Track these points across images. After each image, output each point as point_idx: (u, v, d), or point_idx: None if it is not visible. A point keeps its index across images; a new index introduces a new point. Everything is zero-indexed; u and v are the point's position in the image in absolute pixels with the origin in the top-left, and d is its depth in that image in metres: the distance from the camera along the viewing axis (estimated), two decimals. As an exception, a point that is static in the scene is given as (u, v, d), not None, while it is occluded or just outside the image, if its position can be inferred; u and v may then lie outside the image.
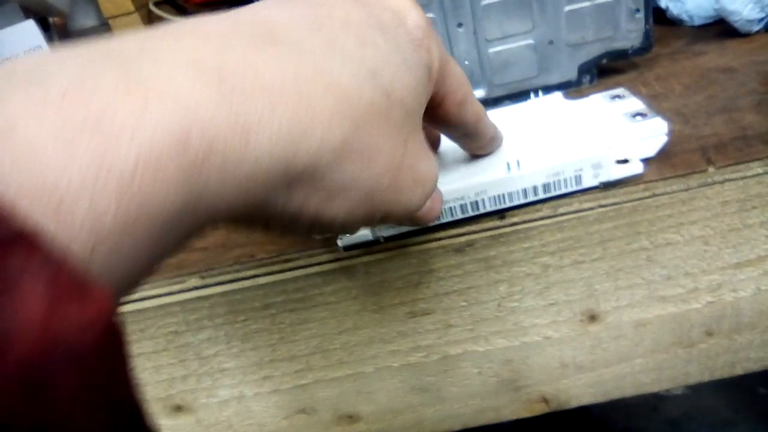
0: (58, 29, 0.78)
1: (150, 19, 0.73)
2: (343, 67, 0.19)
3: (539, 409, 0.39)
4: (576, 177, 0.30)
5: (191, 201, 0.16)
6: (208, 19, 0.18)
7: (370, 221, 0.22)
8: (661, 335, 0.36)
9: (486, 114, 0.28)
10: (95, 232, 0.14)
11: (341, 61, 0.19)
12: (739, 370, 0.38)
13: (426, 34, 0.22)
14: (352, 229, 0.22)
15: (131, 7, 0.71)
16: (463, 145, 0.31)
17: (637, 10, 0.39)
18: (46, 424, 0.11)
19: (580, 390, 0.38)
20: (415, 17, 0.22)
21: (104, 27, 0.79)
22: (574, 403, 0.39)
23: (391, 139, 0.20)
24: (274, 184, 0.18)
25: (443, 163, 0.32)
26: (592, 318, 0.35)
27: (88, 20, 0.91)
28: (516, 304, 0.34)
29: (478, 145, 0.30)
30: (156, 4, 0.73)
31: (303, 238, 0.22)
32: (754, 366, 0.38)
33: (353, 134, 0.19)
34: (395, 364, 0.36)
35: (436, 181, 0.24)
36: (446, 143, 0.33)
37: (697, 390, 0.98)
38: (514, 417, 0.39)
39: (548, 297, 0.34)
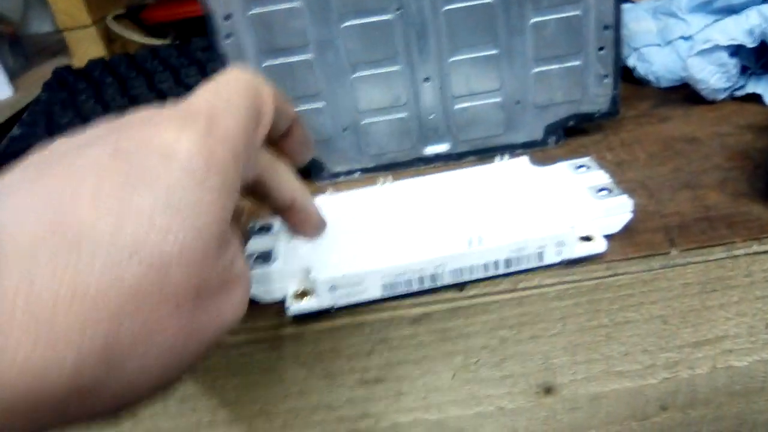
0: (9, 38, 0.74)
1: (107, 34, 0.71)
2: (91, 264, 0.16)
3: (490, 476, 0.38)
4: (538, 254, 0.29)
5: None
6: None
7: (193, 365, 0.20)
8: (617, 408, 0.35)
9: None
10: None
11: (88, 257, 0.16)
12: (691, 444, 0.38)
13: (208, 154, 0.19)
14: (176, 383, 0.20)
15: (88, 21, 0.69)
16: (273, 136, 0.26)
17: (606, 76, 0.38)
18: None
19: (532, 460, 0.37)
20: (187, 147, 0.19)
21: (59, 34, 0.76)
22: (526, 473, 0.38)
23: (175, 302, 0.18)
24: (34, 415, 0.16)
25: (402, 230, 0.31)
26: (548, 390, 0.34)
27: (43, 27, 0.87)
28: (471, 375, 0.33)
29: (286, 118, 0.26)
30: (114, 18, 0.71)
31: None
32: (706, 440, 0.38)
33: (117, 335, 0.17)
34: (342, 430, 0.35)
35: (247, 284, 0.22)
36: (404, 211, 0.32)
37: None
38: (463, 484, 0.38)
39: (504, 369, 0.33)
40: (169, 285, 0.18)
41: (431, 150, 0.40)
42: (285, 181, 0.27)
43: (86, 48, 0.69)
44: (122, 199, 0.17)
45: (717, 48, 0.41)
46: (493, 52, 0.37)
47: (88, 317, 0.16)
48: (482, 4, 0.36)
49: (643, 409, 0.35)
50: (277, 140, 0.27)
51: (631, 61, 0.48)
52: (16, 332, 0.15)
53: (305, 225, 0.30)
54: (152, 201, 0.18)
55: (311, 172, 0.40)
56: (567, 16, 0.37)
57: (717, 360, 0.34)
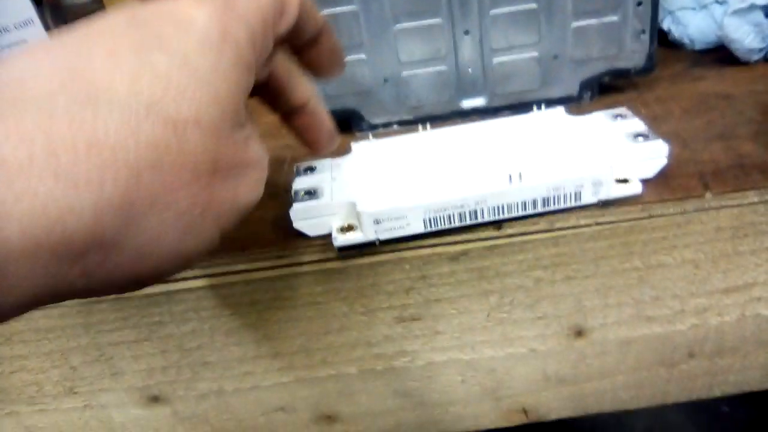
0: (50, 3, 0.76)
1: None
2: (109, 114, 0.16)
3: (517, 419, 0.40)
4: (576, 193, 0.30)
5: None
6: None
7: (208, 247, 0.20)
8: (645, 354, 0.36)
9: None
10: None
11: (106, 107, 0.16)
12: (717, 393, 0.39)
13: (227, 23, 0.19)
14: (190, 267, 0.20)
15: (127, -15, 0.70)
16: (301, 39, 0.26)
17: (643, 31, 0.39)
18: None
19: (560, 403, 0.38)
20: (206, 13, 0.19)
21: (96, 4, 0.78)
22: (553, 416, 0.39)
23: (192, 166, 0.18)
24: (50, 267, 0.16)
25: (443, 170, 0.32)
26: (579, 333, 0.35)
27: (80, -5, 0.89)
28: (505, 315, 0.34)
29: (314, 24, 0.25)
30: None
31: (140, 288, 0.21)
32: (731, 389, 0.38)
33: (136, 187, 0.17)
34: (379, 368, 0.36)
35: (265, 168, 0.22)
36: (446, 154, 0.33)
37: (663, 406, 1.00)
38: (492, 426, 0.40)
39: (537, 310, 0.34)
40: (186, 149, 0.18)
41: (468, 103, 0.41)
42: (299, 82, 0.26)
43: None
44: (138, 58, 0.17)
45: (753, 7, 0.41)
46: (533, 6, 0.38)
47: (106, 166, 0.16)
48: (523, -42, 0.37)
49: (671, 355, 0.36)
50: (302, 49, 0.26)
51: (666, 24, 0.48)
52: (35, 176, 0.15)
53: (315, 131, 0.28)
54: (168, 62, 0.18)
55: (350, 124, 0.42)
56: (606, -29, 0.37)
57: (746, 308, 0.34)
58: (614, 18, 0.38)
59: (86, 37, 0.18)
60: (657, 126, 0.37)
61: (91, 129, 0.16)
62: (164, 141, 0.17)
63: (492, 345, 0.35)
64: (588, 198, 0.31)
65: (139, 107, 0.17)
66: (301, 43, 0.26)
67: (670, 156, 0.32)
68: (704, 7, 0.47)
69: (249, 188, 0.21)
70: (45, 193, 0.15)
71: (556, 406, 0.38)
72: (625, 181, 0.31)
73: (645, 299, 0.34)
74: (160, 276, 0.19)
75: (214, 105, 0.18)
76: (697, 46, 0.47)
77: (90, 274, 0.17)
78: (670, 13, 0.48)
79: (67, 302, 0.33)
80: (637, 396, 0.38)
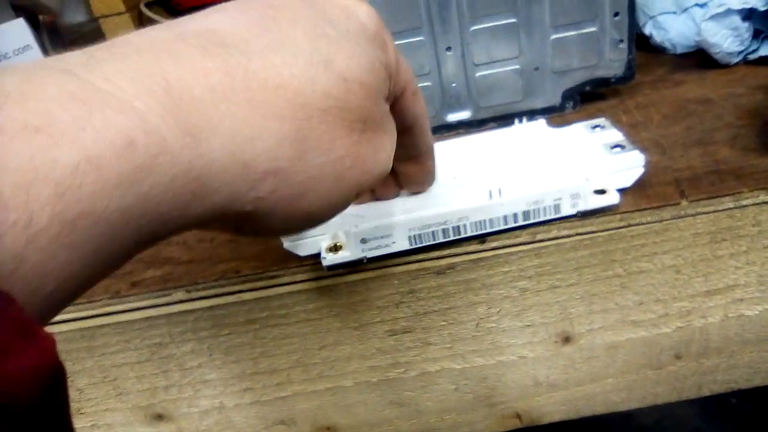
0: (47, 27, 0.77)
1: (141, 21, 0.73)
2: (294, 62, 0.19)
3: (512, 424, 0.41)
4: (555, 206, 0.31)
5: (140, 205, 0.16)
6: (153, 32, 0.18)
7: (345, 203, 0.22)
8: (632, 357, 0.37)
9: None
10: (29, 235, 0.14)
11: (292, 57, 0.19)
12: (706, 392, 0.39)
13: (379, 28, 0.22)
14: (331, 216, 0.22)
15: (122, 7, 0.71)
16: (410, 153, 0.29)
17: (621, 41, 0.40)
18: None
19: (553, 407, 0.39)
20: (366, 11, 0.22)
21: (93, 23, 0.79)
22: (546, 420, 0.40)
23: (351, 120, 0.21)
24: (235, 185, 0.18)
25: (429, 190, 0.33)
26: (566, 339, 0.36)
27: (77, 17, 0.90)
28: (494, 324, 0.35)
29: (425, 143, 0.28)
30: (147, 5, 0.73)
31: (280, 235, 0.22)
32: (720, 388, 0.39)
33: (308, 127, 0.19)
34: (374, 379, 0.37)
35: (394, 141, 0.24)
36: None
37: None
38: (487, 431, 0.41)
39: (525, 319, 0.35)
40: (350, 103, 0.20)
41: (454, 117, 0.42)
42: (424, 134, 0.28)
43: (121, 34, 0.72)
44: (315, 25, 0.20)
45: (730, 12, 0.42)
46: (512, 20, 0.39)
47: (288, 104, 0.19)
48: (500, -25, 0.38)
49: (658, 357, 0.37)
50: (406, 162, 0.29)
51: (648, 29, 0.49)
52: (235, 103, 0.18)
53: (421, 177, 0.31)
54: (338, 33, 0.21)
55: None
56: (582, -16, 0.38)
57: (728, 309, 0.35)
58: (592, 29, 0.39)
59: (268, 6, 0.21)
60: (637, 133, 0.38)
61: (279, 72, 0.19)
62: (335, 92, 0.20)
63: (482, 354, 0.36)
64: (567, 210, 0.32)
65: (318, 61, 0.20)
66: (408, 157, 0.29)
67: (648, 164, 0.33)
68: (685, 10, 0.48)
69: (384, 154, 0.23)
70: (241, 118, 0.18)
71: (549, 410, 0.39)
72: (602, 192, 0.32)
73: (629, 304, 0.35)
74: (306, 222, 0.21)
75: (371, 73, 0.21)
76: (679, 50, 0.48)
77: (259, 202, 0.19)
78: (652, 18, 0.49)
79: (72, 326, 0.34)
80: (628, 398, 0.39)
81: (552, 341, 0.36)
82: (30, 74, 0.15)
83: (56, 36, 0.82)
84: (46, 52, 0.77)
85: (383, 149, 0.23)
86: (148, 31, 0.19)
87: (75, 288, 0.16)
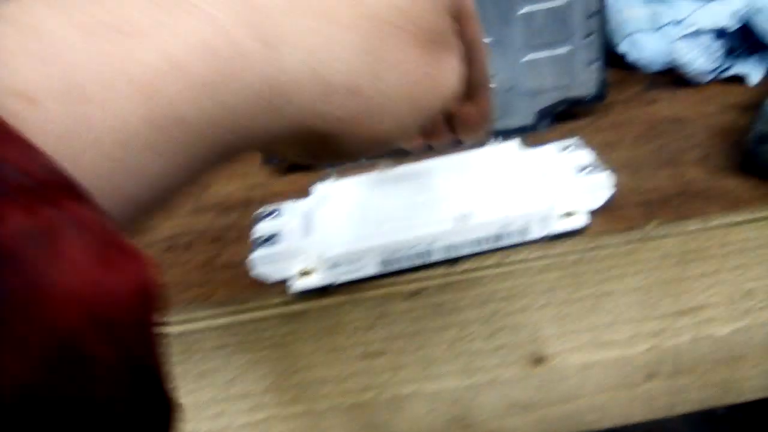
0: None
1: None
2: None
3: (488, 444, 0.41)
4: (524, 229, 0.31)
5: (220, 114, 0.16)
6: None
7: (417, 126, 0.21)
8: (605, 377, 0.37)
9: None
10: (121, 137, 0.14)
11: None
12: (679, 410, 0.40)
13: None
14: (402, 140, 0.22)
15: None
16: (466, 88, 0.26)
17: (593, 61, 0.40)
18: (81, 397, 0.11)
19: (527, 428, 0.39)
20: None
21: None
22: (522, 440, 0.40)
23: (420, 34, 0.20)
24: (313, 100, 0.18)
25: (398, 211, 0.33)
26: (538, 360, 0.36)
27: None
28: (465, 346, 0.35)
29: (483, 76, 0.27)
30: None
31: (350, 159, 0.22)
32: (693, 406, 0.39)
33: (380, 40, 0.19)
34: (347, 403, 0.37)
35: (461, 62, 0.23)
36: (400, 194, 0.34)
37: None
38: (463, 452, 0.41)
39: (496, 341, 0.35)
40: (419, 16, 0.20)
41: (427, 137, 0.42)
42: (482, 60, 0.27)
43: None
44: None
45: (701, 31, 0.42)
46: (485, 41, 0.39)
47: (361, 15, 0.18)
48: (472, -4, 0.38)
49: (631, 377, 0.37)
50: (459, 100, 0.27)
51: (623, 47, 0.49)
52: (310, 15, 0.17)
53: (485, 118, 0.29)
54: None
55: (314, 161, 0.43)
56: (554, 6, 0.38)
57: (699, 328, 0.35)
58: (564, 50, 0.40)
59: None
60: (608, 153, 0.38)
61: None
62: (406, 7, 0.19)
63: (455, 376, 0.36)
64: (536, 233, 0.32)
65: None
66: (464, 94, 0.26)
67: (617, 185, 0.33)
68: (659, 28, 0.48)
69: (454, 75, 0.22)
70: (317, 30, 0.17)
71: (523, 431, 0.39)
72: (571, 214, 0.32)
73: (600, 325, 0.35)
74: (381, 143, 0.21)
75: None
76: (653, 68, 0.48)
77: (337, 122, 0.19)
78: (626, 36, 0.49)
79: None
80: (602, 417, 0.39)
81: (524, 362, 0.36)
82: None
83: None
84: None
85: (453, 69, 0.22)
86: None
87: (162, 201, 0.16)
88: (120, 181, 0.14)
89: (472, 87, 0.26)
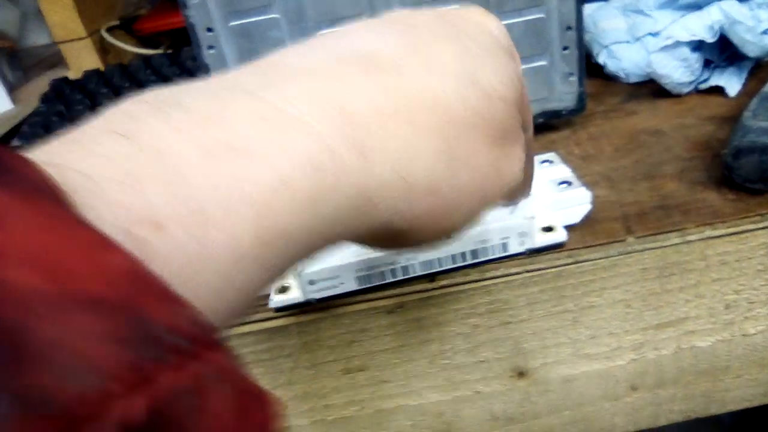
0: (6, 53, 0.77)
1: (102, 46, 0.73)
2: (444, 81, 0.19)
3: (472, 458, 0.40)
4: (502, 244, 0.31)
5: (319, 225, 0.16)
6: (308, 51, 0.19)
7: (480, 216, 0.22)
8: (588, 390, 0.37)
9: None
10: (235, 256, 0.14)
11: (441, 75, 0.20)
12: (663, 421, 0.40)
13: (509, 40, 0.23)
14: (466, 230, 0.22)
15: (83, 33, 0.71)
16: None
17: (571, 74, 0.40)
18: None
19: (511, 441, 0.39)
20: (497, 25, 0.23)
21: (53, 48, 0.79)
22: (506, 453, 0.40)
23: (493, 135, 0.21)
24: (398, 204, 0.18)
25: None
26: (521, 374, 0.36)
27: (38, 41, 0.89)
28: (447, 361, 0.35)
29: (531, 151, 0.28)
30: (108, 30, 0.73)
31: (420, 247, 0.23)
32: (677, 417, 0.39)
33: (458, 144, 0.19)
34: (330, 418, 0.37)
35: (524, 150, 0.24)
36: None
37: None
38: (448, 466, 0.40)
39: (478, 354, 0.35)
40: (494, 117, 0.21)
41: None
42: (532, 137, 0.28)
43: (82, 59, 0.72)
44: (457, 42, 0.21)
45: (679, 44, 0.43)
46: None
47: (442, 121, 0.19)
48: (451, 9, 0.38)
49: (614, 389, 0.37)
50: None
51: (602, 58, 0.50)
52: (395, 124, 0.18)
53: (529, 186, 0.30)
54: (479, 49, 0.21)
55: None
56: (531, 19, 0.39)
57: (681, 341, 0.36)
58: (542, 63, 0.40)
59: (410, 25, 0.21)
60: (588, 166, 0.38)
61: (433, 91, 0.19)
62: (481, 108, 0.20)
63: (437, 390, 0.36)
64: (515, 248, 0.32)
65: (466, 78, 0.20)
66: None
67: (596, 200, 0.33)
68: (638, 39, 0.49)
69: (519, 165, 0.23)
70: (403, 137, 0.18)
71: (507, 443, 0.39)
72: (550, 229, 0.32)
73: (581, 338, 0.35)
74: (448, 234, 0.21)
75: (511, 87, 0.21)
76: (632, 79, 0.48)
77: (416, 220, 0.19)
78: (605, 47, 0.49)
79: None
80: (586, 429, 0.39)
81: (507, 376, 0.36)
82: (216, 95, 0.16)
83: (16, 61, 0.81)
84: (4, 76, 0.76)
85: (518, 160, 0.23)
86: (302, 51, 0.19)
87: (253, 300, 0.16)
88: (229, 297, 0.14)
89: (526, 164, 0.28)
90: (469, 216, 0.21)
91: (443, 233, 0.21)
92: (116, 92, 0.58)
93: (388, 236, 0.20)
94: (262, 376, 0.35)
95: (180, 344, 0.11)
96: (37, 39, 0.90)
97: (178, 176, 0.14)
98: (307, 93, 0.17)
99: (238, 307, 0.15)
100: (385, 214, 0.18)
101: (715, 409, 0.39)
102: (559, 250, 0.32)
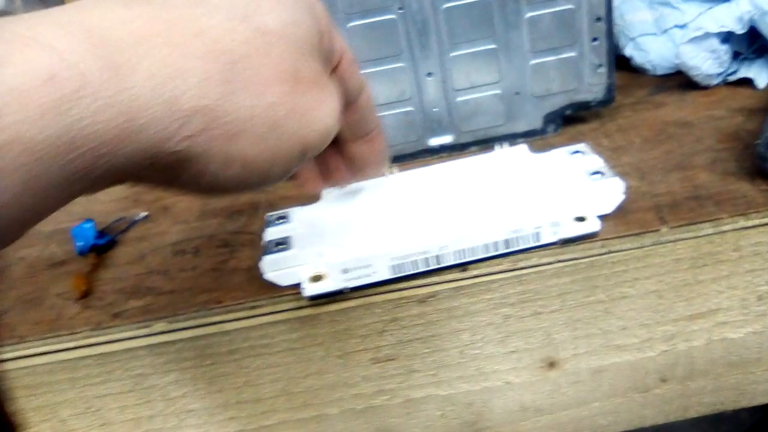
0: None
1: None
2: (213, 15, 0.20)
3: (500, 449, 0.40)
4: (535, 234, 0.31)
5: (66, 136, 0.17)
6: None
7: (290, 158, 0.23)
8: (618, 381, 0.37)
9: None
10: None
11: (210, 10, 0.21)
12: (692, 413, 0.39)
13: None
14: (277, 173, 0.23)
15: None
16: (359, 131, 0.30)
17: (600, 65, 0.40)
18: None
19: (540, 431, 0.39)
20: None
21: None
22: (534, 445, 0.40)
23: (277, 70, 0.21)
24: (162, 122, 0.19)
25: (408, 216, 0.33)
26: (551, 365, 0.36)
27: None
28: (478, 351, 0.35)
29: (373, 119, 0.30)
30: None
31: (222, 191, 0.23)
32: (706, 410, 0.39)
33: (232, 71, 0.20)
34: (359, 407, 0.37)
35: (339, 102, 0.24)
36: (408, 200, 0.34)
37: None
38: (475, 457, 0.40)
39: (509, 345, 0.35)
40: (272, 53, 0.21)
41: (436, 141, 0.42)
42: (372, 111, 0.29)
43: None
44: None
45: (708, 35, 0.42)
46: (492, 46, 0.39)
47: (209, 48, 0.20)
48: (479, 1, 0.38)
49: (644, 381, 0.37)
50: (356, 141, 0.30)
51: (629, 51, 0.49)
52: (157, 44, 0.19)
53: (375, 155, 0.31)
54: None
55: (323, 167, 0.43)
56: (560, 10, 0.39)
57: (712, 332, 0.35)
58: (571, 54, 0.40)
59: None
60: (617, 157, 0.38)
61: (199, 21, 0.20)
62: (254, 43, 0.21)
63: (467, 380, 0.36)
64: (548, 238, 0.32)
65: (235, 15, 0.21)
66: (358, 136, 0.29)
67: (628, 190, 0.33)
68: (665, 32, 0.48)
69: (326, 110, 0.24)
70: (161, 58, 0.19)
71: (535, 434, 0.39)
72: (582, 219, 0.32)
73: (613, 329, 0.35)
74: (246, 171, 0.22)
75: (293, 28, 0.22)
76: (659, 71, 0.48)
77: (189, 141, 0.20)
78: (632, 39, 0.49)
79: (53, 358, 0.34)
80: (615, 421, 0.39)
81: (537, 366, 0.36)
82: None
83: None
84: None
85: (324, 105, 0.23)
86: None
87: (9, 222, 0.17)
88: None
89: (367, 130, 0.29)
90: (267, 150, 0.22)
91: (240, 167, 0.21)
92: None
93: (174, 165, 0.20)
94: (293, 364, 0.35)
95: None
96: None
97: None
98: (52, 19, 0.18)
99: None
100: (150, 134, 0.19)
101: (745, 402, 0.39)
102: (591, 240, 0.32)
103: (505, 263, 0.32)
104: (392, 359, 0.35)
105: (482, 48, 0.39)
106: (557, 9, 0.39)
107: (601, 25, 0.39)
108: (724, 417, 0.99)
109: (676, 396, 0.38)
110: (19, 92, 0.16)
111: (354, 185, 0.37)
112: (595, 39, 0.39)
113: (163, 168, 0.20)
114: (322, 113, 0.23)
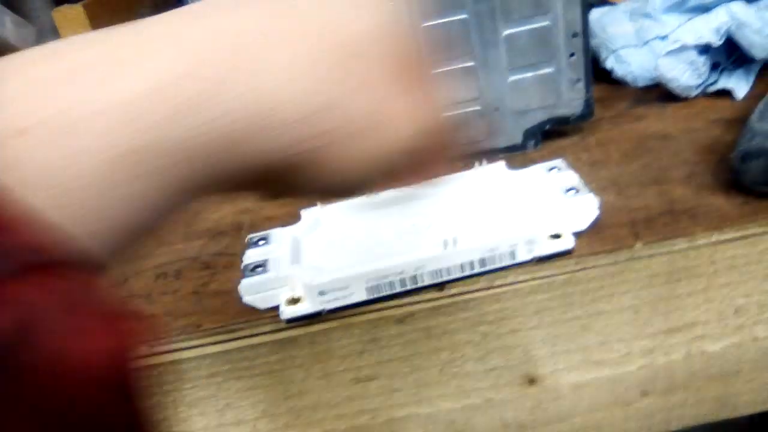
0: None
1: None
2: (332, 9, 0.20)
3: (485, 465, 0.40)
4: (511, 252, 0.32)
5: (193, 139, 0.17)
6: None
7: (388, 164, 0.22)
8: (599, 396, 0.37)
9: None
10: (107, 159, 0.15)
11: (334, 6, 0.20)
12: (675, 426, 0.39)
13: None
14: (376, 180, 0.23)
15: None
16: None
17: (578, 80, 0.40)
18: None
19: (524, 448, 0.39)
20: None
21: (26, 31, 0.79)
22: (518, 460, 0.40)
23: (383, 65, 0.21)
24: (293, 119, 0.19)
25: (385, 236, 0.33)
26: (531, 381, 0.36)
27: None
28: (457, 369, 0.35)
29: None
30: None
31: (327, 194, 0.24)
32: (689, 422, 0.39)
33: (346, 66, 0.20)
34: (342, 427, 0.37)
35: (436, 103, 0.23)
36: (388, 219, 0.34)
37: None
38: (460, 473, 0.40)
39: (488, 362, 0.35)
40: (381, 50, 0.21)
41: (416, 158, 0.43)
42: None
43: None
44: None
45: (686, 47, 0.43)
46: (470, 64, 0.40)
47: (325, 47, 0.19)
48: (457, 20, 0.38)
49: (625, 395, 0.37)
50: None
51: (610, 63, 0.50)
52: (281, 51, 0.19)
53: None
54: None
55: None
56: (537, 27, 0.39)
57: (691, 345, 0.35)
58: (549, 70, 0.40)
59: None
60: (596, 172, 0.38)
61: (316, 21, 0.20)
62: (367, 40, 0.20)
63: (448, 398, 0.36)
64: (523, 256, 0.32)
65: (348, 14, 0.20)
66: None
67: (604, 206, 0.34)
68: (646, 43, 0.49)
69: (425, 110, 0.22)
70: (287, 57, 0.19)
71: (519, 450, 0.39)
72: (557, 236, 0.32)
73: (591, 345, 0.35)
74: (350, 177, 0.21)
75: (391, 33, 0.21)
76: (640, 83, 0.48)
77: (318, 140, 0.19)
78: (613, 52, 0.49)
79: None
80: (598, 435, 0.39)
81: (517, 383, 0.36)
82: (96, 36, 0.18)
83: None
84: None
85: (423, 105, 0.22)
86: None
87: (135, 227, 0.17)
88: (104, 205, 0.16)
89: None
90: (368, 157, 0.21)
91: (342, 174, 0.21)
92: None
93: (286, 171, 0.20)
94: (274, 386, 0.35)
95: (30, 260, 0.12)
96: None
97: (45, 88, 0.15)
98: (187, 21, 0.18)
99: (120, 222, 0.16)
100: (282, 136, 0.19)
101: (726, 414, 0.39)
102: (567, 256, 0.32)
103: (482, 281, 0.32)
104: (373, 379, 0.35)
105: (461, 65, 0.40)
106: (534, 26, 0.39)
107: (578, 41, 0.39)
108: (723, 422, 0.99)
109: (657, 409, 0.38)
110: (158, 89, 0.16)
111: (332, 206, 0.37)
112: (572, 54, 0.40)
113: (284, 170, 0.20)
114: (423, 113, 0.22)
